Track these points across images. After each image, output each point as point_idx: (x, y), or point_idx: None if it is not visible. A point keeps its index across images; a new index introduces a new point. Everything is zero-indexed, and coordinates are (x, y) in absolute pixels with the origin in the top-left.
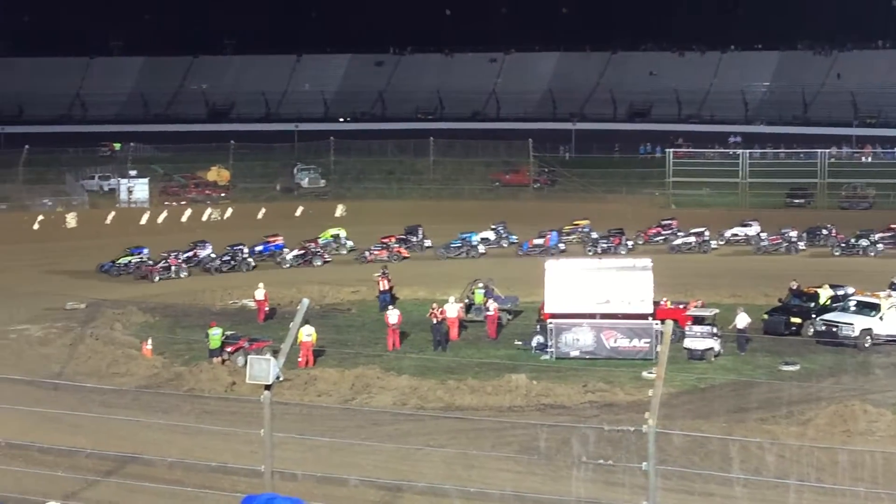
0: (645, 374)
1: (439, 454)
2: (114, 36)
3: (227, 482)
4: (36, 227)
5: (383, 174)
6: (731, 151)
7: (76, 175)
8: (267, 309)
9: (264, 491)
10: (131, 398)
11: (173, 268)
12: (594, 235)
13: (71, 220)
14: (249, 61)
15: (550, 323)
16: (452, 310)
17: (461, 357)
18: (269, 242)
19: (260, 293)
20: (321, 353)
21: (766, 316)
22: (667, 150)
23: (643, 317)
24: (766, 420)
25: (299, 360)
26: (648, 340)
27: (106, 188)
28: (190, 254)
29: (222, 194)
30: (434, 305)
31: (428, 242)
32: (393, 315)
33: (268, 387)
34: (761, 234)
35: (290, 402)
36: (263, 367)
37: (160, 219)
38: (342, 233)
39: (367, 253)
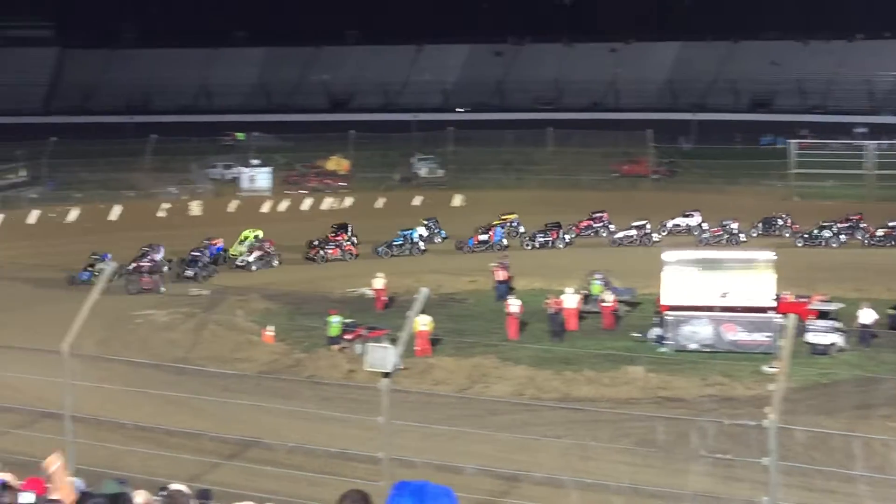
0: (765, 368)
1: (556, 445)
2: (238, 27)
3: (346, 468)
4: (162, 214)
5: (501, 164)
6: (856, 142)
7: (200, 164)
8: (385, 298)
9: (381, 478)
10: (253, 383)
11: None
12: (522, 230)
13: (195, 207)
14: (370, 52)
15: (669, 315)
16: (571, 300)
17: (578, 348)
18: (212, 244)
19: (379, 282)
20: (438, 341)
21: (891, 310)
22: (789, 141)
23: (764, 310)
24: (891, 417)
25: (416, 348)
26: (770, 334)
27: (229, 177)
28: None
29: (342, 183)
30: (550, 296)
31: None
32: (514, 304)
33: (386, 374)
34: (703, 225)
35: (408, 389)
36: (382, 355)
37: (281, 207)
38: (259, 233)
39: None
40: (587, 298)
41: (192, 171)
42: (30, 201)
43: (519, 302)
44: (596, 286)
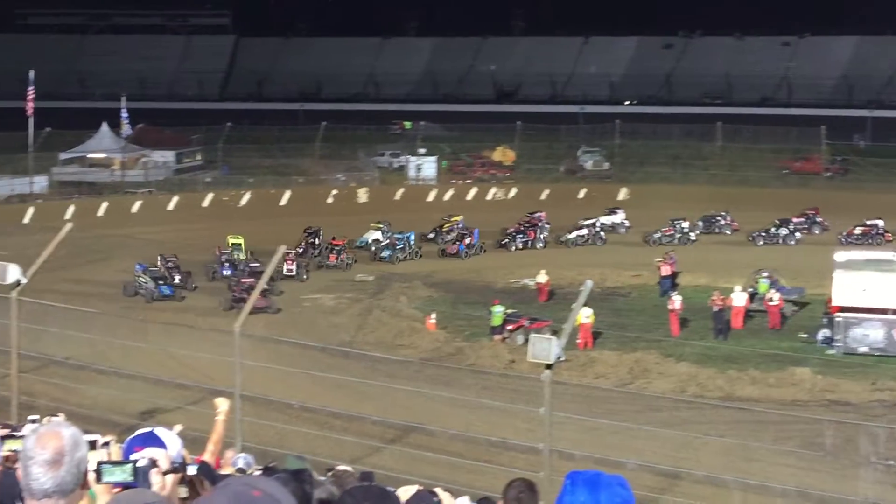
0: None
1: (718, 444)
2: (407, 17)
3: (505, 458)
4: (330, 200)
5: (668, 158)
6: None
7: (368, 152)
8: (548, 290)
9: (541, 468)
10: (414, 370)
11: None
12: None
13: (362, 194)
14: (537, 42)
15: (839, 316)
16: (739, 298)
17: (742, 347)
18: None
19: (542, 276)
20: (599, 335)
21: None
22: None
23: None
24: None
25: (578, 341)
26: None
27: (395, 165)
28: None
29: (507, 174)
30: (715, 293)
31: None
32: (677, 300)
33: (548, 366)
34: (625, 223)
35: (569, 382)
36: (545, 347)
37: (447, 196)
38: (241, 242)
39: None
40: (753, 297)
41: (359, 158)
42: (205, 185)
43: (681, 298)
44: (763, 284)
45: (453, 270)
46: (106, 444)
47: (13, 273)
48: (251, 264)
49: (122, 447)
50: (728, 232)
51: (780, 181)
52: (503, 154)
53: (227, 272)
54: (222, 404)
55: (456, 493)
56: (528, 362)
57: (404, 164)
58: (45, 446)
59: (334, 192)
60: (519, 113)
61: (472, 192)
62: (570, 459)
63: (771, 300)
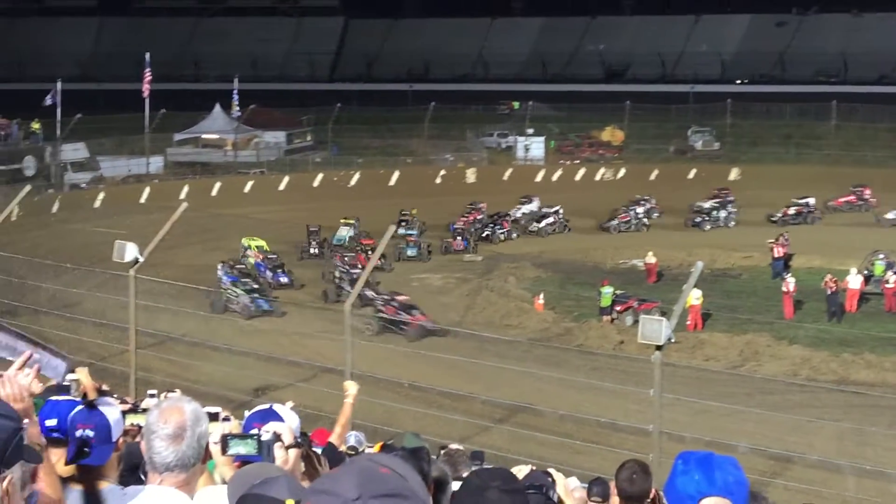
0: None
1: (832, 428)
2: None
3: (614, 439)
4: (438, 181)
5: (780, 138)
6: None
7: (476, 132)
8: (656, 270)
9: (650, 450)
10: (523, 350)
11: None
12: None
13: (470, 175)
14: (647, 21)
15: None
16: (855, 281)
17: (857, 330)
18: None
19: (651, 257)
20: (709, 316)
21: None
22: None
23: None
24: None
25: (688, 322)
26: None
27: (503, 145)
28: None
29: (615, 154)
30: (828, 275)
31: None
32: (791, 282)
33: (658, 347)
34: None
35: (679, 363)
36: (656, 328)
37: (555, 177)
38: (264, 245)
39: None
40: (868, 279)
41: (468, 139)
42: (315, 165)
43: (794, 280)
44: (879, 266)
45: (562, 251)
46: (227, 417)
47: (131, 251)
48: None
49: (240, 423)
50: (656, 215)
51: None
52: (612, 134)
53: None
54: (351, 387)
55: (565, 474)
56: (637, 343)
57: (512, 144)
58: (167, 421)
59: (443, 172)
60: (628, 93)
61: (581, 172)
62: (679, 441)
63: (887, 282)
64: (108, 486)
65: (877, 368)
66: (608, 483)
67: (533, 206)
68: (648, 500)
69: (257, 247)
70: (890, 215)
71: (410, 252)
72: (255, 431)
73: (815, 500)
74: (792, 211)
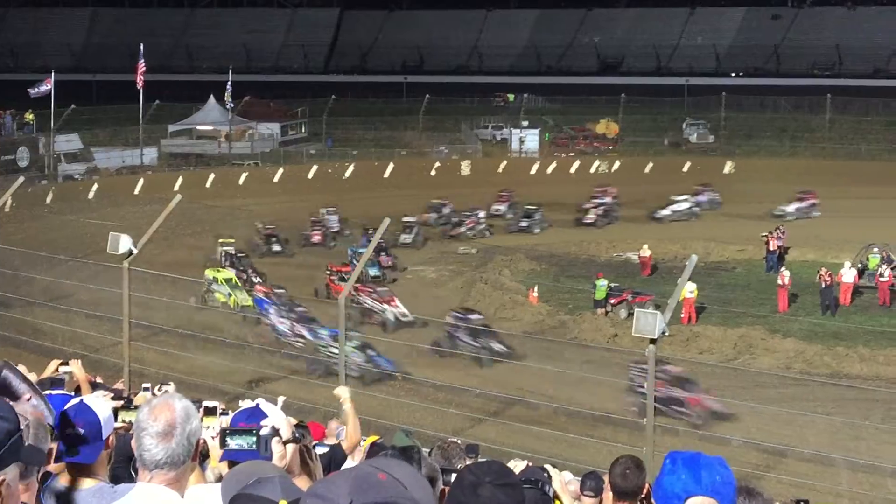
0: None
1: (825, 422)
2: None
3: (607, 432)
4: (433, 173)
5: (775, 131)
6: None
7: (471, 124)
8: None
9: (645, 444)
10: (516, 342)
11: None
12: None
13: (465, 167)
14: (642, 13)
15: None
16: (849, 274)
17: (851, 323)
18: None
19: (646, 251)
20: (703, 310)
21: None
22: None
23: None
24: None
25: (682, 315)
26: None
27: (498, 138)
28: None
29: (610, 147)
30: (823, 269)
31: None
32: (786, 275)
33: (653, 341)
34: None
35: (673, 357)
36: (650, 321)
37: (549, 169)
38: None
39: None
40: (863, 273)
41: (462, 131)
42: (309, 157)
43: (789, 273)
44: (873, 260)
45: (556, 244)
46: (225, 411)
47: (125, 243)
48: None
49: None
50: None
51: (891, 154)
52: (606, 127)
53: (316, 239)
54: (343, 392)
55: (559, 468)
56: (631, 336)
57: (507, 136)
58: (157, 418)
59: (437, 164)
60: (623, 85)
61: (575, 164)
62: (674, 435)
63: (881, 276)
64: (97, 485)
65: (870, 362)
66: (601, 477)
67: (503, 206)
68: (642, 496)
69: (225, 279)
70: (789, 208)
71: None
72: (254, 425)
73: (808, 494)
74: (792, 208)
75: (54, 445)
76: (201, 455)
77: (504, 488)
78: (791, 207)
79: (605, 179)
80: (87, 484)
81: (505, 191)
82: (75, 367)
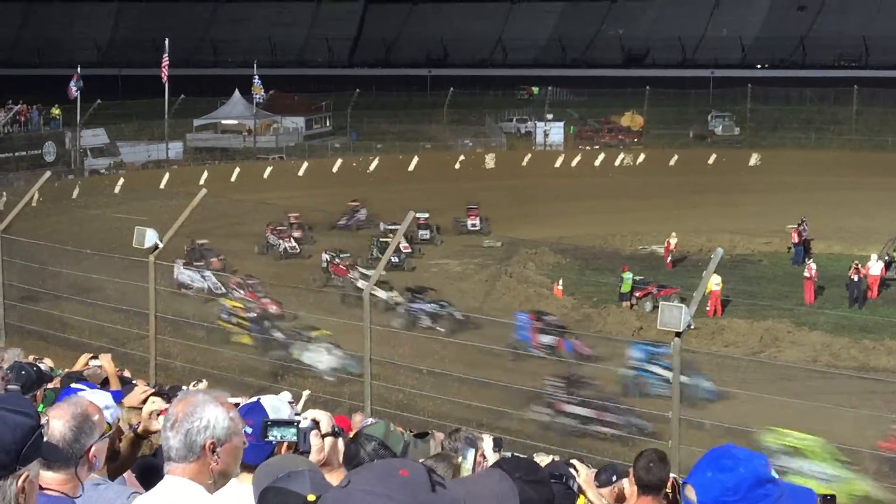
0: None
1: (852, 415)
2: None
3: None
4: (457, 166)
5: (801, 123)
6: None
7: (495, 117)
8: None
9: (670, 437)
10: None
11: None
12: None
13: (489, 160)
14: (667, 5)
15: None
16: (876, 267)
17: (878, 316)
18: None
19: (672, 240)
20: (728, 303)
21: None
22: None
23: None
24: None
25: (707, 308)
26: None
27: (523, 131)
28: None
29: (635, 139)
30: (856, 261)
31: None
32: (812, 267)
33: (678, 334)
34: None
35: (699, 350)
36: (675, 314)
37: (574, 162)
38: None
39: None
40: (889, 265)
41: (487, 124)
42: (334, 150)
43: (815, 266)
44: None
45: (581, 237)
46: (168, 395)
47: (151, 237)
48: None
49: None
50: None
51: None
52: (631, 119)
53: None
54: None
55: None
56: (656, 329)
57: (532, 129)
58: (172, 411)
59: (461, 157)
60: (648, 77)
61: (600, 157)
62: (699, 428)
63: None
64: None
65: None
66: (616, 470)
67: (360, 214)
68: (667, 490)
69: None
70: None
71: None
72: (296, 418)
73: (833, 488)
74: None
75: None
76: (138, 434)
77: (534, 485)
78: None
79: (630, 172)
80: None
81: (355, 200)
82: (105, 361)
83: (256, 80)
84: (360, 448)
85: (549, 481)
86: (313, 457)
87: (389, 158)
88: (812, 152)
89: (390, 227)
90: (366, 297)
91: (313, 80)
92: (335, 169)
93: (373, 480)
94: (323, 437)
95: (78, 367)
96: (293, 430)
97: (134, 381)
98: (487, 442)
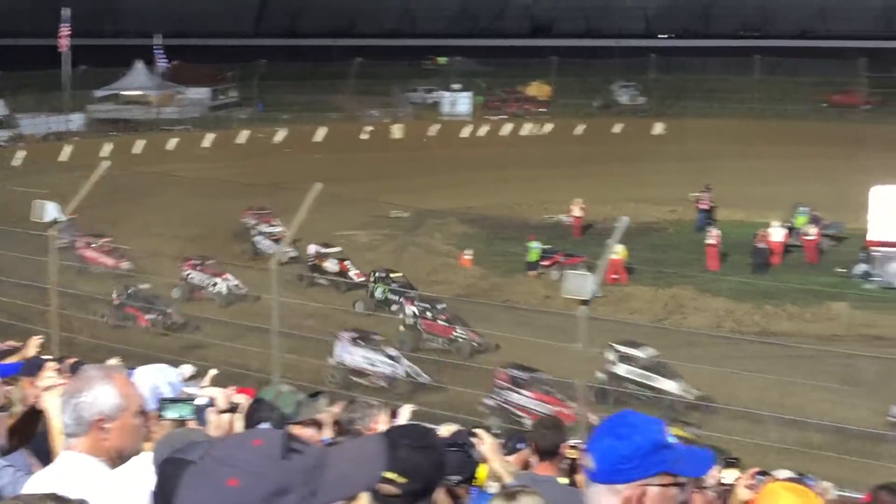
0: None
1: (755, 379)
2: None
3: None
4: (364, 136)
5: (704, 93)
6: None
7: (402, 88)
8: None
9: (577, 403)
10: (451, 305)
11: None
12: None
13: (396, 131)
14: None
15: (876, 251)
16: (777, 233)
17: (779, 282)
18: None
19: (577, 210)
20: (633, 270)
21: None
22: None
23: None
24: None
25: (612, 276)
26: None
27: (430, 101)
28: None
29: (542, 109)
30: (760, 230)
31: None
32: (715, 234)
33: (584, 302)
34: None
35: (604, 317)
36: (579, 283)
37: (481, 132)
38: None
39: None
40: (791, 231)
41: (393, 94)
42: (240, 122)
43: (718, 232)
44: (800, 218)
45: (489, 207)
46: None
47: (51, 211)
48: None
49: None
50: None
51: (818, 114)
52: (538, 89)
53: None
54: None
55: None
56: (563, 298)
57: (438, 99)
58: (64, 388)
59: (368, 128)
60: (553, 47)
61: (507, 127)
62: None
63: (807, 234)
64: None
65: (797, 320)
66: (522, 438)
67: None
68: (566, 457)
69: None
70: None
71: None
72: (193, 394)
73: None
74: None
75: None
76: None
77: (423, 450)
78: None
79: (536, 142)
80: None
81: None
82: (32, 344)
83: (158, 52)
84: (255, 412)
85: (440, 448)
86: (211, 432)
87: (296, 129)
88: (715, 121)
89: (323, 249)
90: (273, 269)
91: (218, 49)
92: (241, 140)
93: (226, 451)
94: (220, 412)
95: (31, 352)
96: (190, 408)
97: (45, 357)
98: (405, 413)
